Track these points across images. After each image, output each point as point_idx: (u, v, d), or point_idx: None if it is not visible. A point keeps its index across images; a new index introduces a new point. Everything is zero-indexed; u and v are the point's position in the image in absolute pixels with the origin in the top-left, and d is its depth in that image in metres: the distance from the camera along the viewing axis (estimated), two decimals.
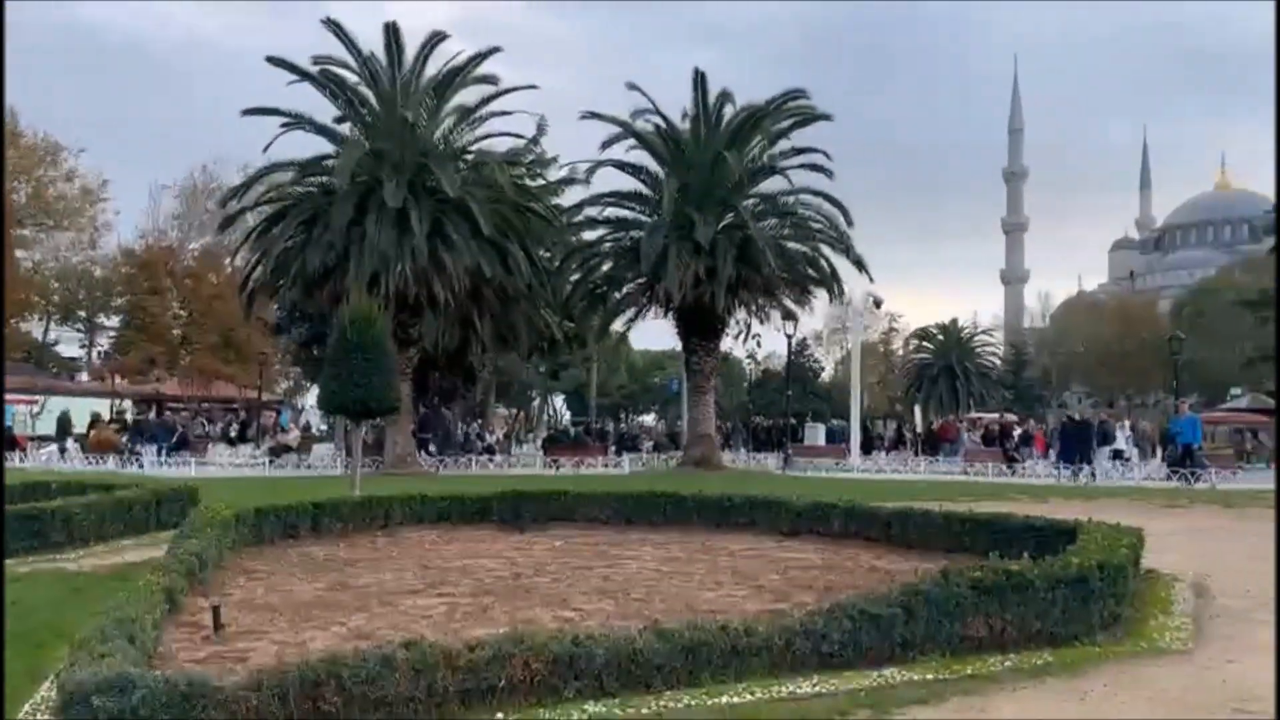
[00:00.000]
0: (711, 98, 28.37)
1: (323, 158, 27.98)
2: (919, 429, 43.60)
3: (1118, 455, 28.48)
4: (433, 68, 27.54)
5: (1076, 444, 25.27)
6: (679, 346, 31.25)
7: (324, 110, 27.86)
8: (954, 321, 64.93)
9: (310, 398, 48.58)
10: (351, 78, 27.26)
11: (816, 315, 68.87)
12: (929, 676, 5.61)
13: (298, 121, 26.93)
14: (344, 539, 11.68)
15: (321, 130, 27.71)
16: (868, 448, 32.87)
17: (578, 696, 5.08)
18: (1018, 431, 32.50)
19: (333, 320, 18.43)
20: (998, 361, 70.21)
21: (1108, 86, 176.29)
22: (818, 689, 5.37)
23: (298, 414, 45.35)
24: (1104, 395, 75.45)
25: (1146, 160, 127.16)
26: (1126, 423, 34.11)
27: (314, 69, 26.87)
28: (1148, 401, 70.69)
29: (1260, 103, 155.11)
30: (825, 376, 72.75)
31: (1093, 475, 23.95)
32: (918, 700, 5.21)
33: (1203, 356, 55.16)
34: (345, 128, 28.26)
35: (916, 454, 31.94)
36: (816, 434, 38.37)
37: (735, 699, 5.19)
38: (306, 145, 35.77)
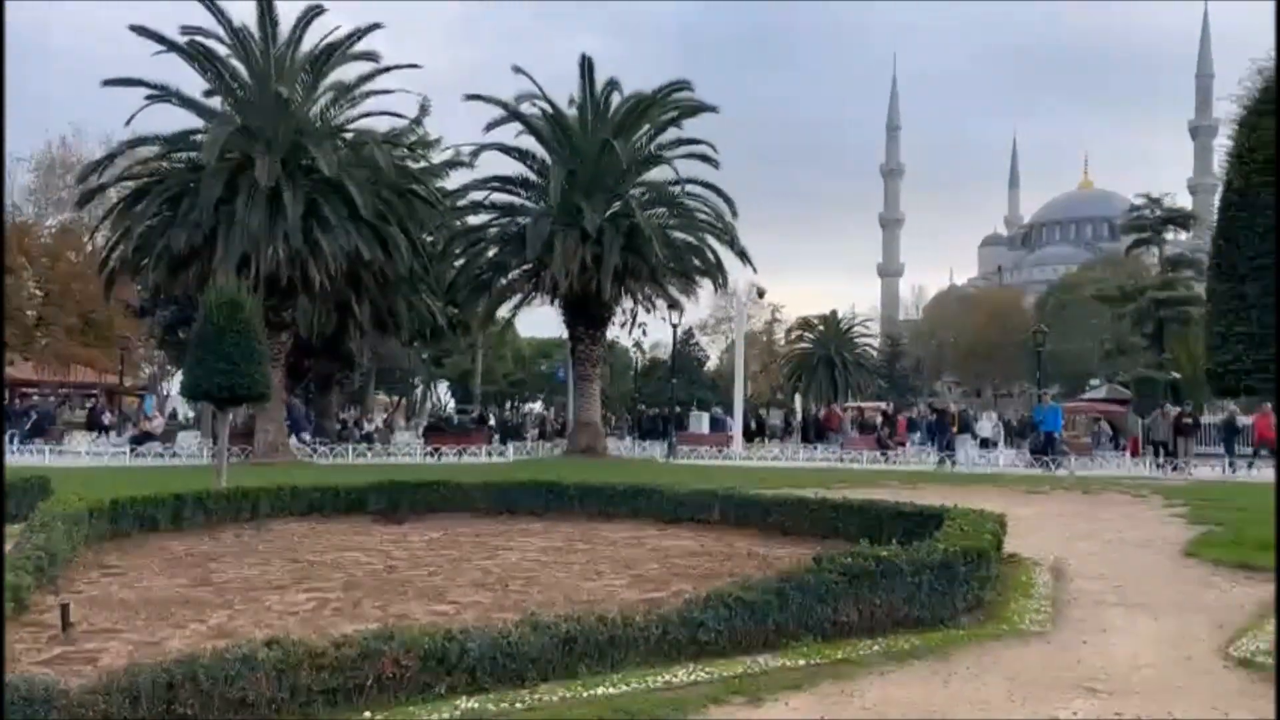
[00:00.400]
0: (599, 85, 28.28)
1: (190, 133, 26.73)
2: (799, 417, 44.61)
3: (985, 443, 29.78)
4: (310, 42, 26.63)
5: (939, 432, 26.53)
6: (565, 334, 31.13)
7: (193, 83, 26.66)
8: (834, 313, 66.71)
9: (176, 384, 46.44)
10: (222, 50, 26.09)
11: (702, 305, 69.71)
12: (801, 662, 5.69)
13: (163, 94, 25.62)
14: (208, 532, 11.18)
15: (189, 104, 26.46)
16: (751, 436, 33.44)
17: (450, 693, 4.97)
18: (879, 419, 33.63)
19: (199, 303, 17.65)
20: (874, 352, 72.49)
21: (981, 88, 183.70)
22: (694, 677, 5.37)
23: (163, 400, 43.34)
24: (973, 385, 78.81)
25: (1015, 160, 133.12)
26: (993, 412, 35.65)
27: (182, 39, 25.61)
28: (1014, 391, 74.10)
29: (1120, 106, 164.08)
30: (710, 366, 73.73)
31: (953, 461, 25.00)
32: (790, 685, 5.27)
33: (1065, 349, 58.10)
34: (216, 102, 27.06)
35: (805, 442, 32.68)
36: (701, 422, 38.80)
37: (611, 690, 5.15)
38: (173, 119, 34.03)
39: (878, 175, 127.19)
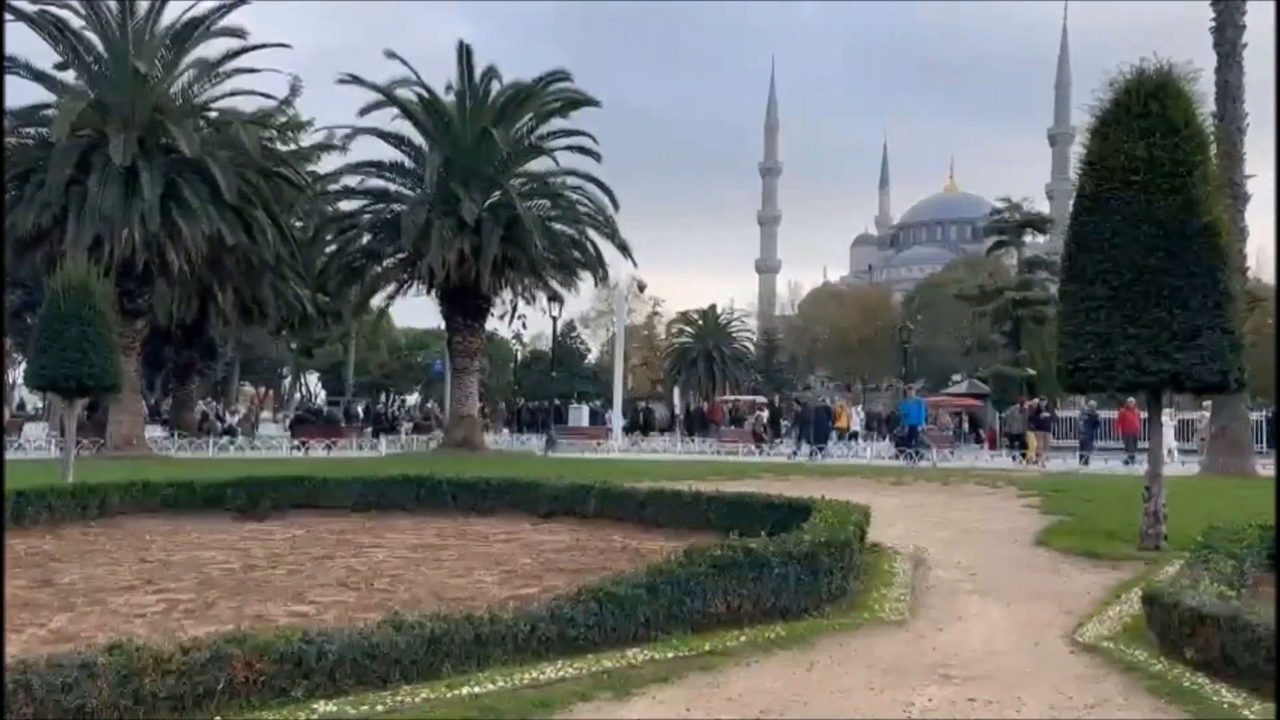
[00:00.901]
0: (478, 73, 27.81)
1: (41, 107, 25.15)
2: (678, 410, 45.14)
3: (854, 436, 30.75)
4: (171, 16, 25.38)
5: (806, 425, 27.49)
6: (443, 325, 30.56)
7: (44, 55, 25.03)
8: (713, 308, 67.67)
9: (22, 373, 43.63)
10: (76, 21, 24.61)
11: (583, 298, 69.71)
12: (670, 655, 5.71)
13: (10, 65, 23.95)
14: (51, 530, 10.52)
15: (39, 77, 24.85)
16: (640, 429, 33.68)
17: (308, 696, 4.77)
18: (755, 414, 34.37)
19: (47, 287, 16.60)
20: (751, 346, 73.91)
21: (856, 91, 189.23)
22: (562, 674, 5.33)
23: (10, 390, 40.64)
24: (844, 379, 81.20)
25: (886, 162, 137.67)
26: (861, 405, 36.80)
27: (32, 8, 24.04)
28: (882, 385, 76.69)
29: (986, 112, 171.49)
30: (592, 358, 73.78)
31: (819, 453, 25.77)
32: (658, 679, 5.28)
33: (930, 345, 60.48)
34: (69, 76, 25.49)
35: (689, 435, 33.11)
36: (580, 415, 38.82)
37: (477, 689, 5.05)
38: (22, 93, 31.90)
39: (757, 173, 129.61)
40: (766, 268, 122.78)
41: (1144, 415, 18.14)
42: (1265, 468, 21.52)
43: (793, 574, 6.69)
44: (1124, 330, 8.91)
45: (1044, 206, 66.43)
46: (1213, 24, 21.43)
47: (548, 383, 39.79)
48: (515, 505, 12.29)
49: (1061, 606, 7.29)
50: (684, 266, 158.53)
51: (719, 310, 67.58)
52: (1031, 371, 42.15)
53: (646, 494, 11.67)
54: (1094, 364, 9.16)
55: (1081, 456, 25.91)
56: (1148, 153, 8.93)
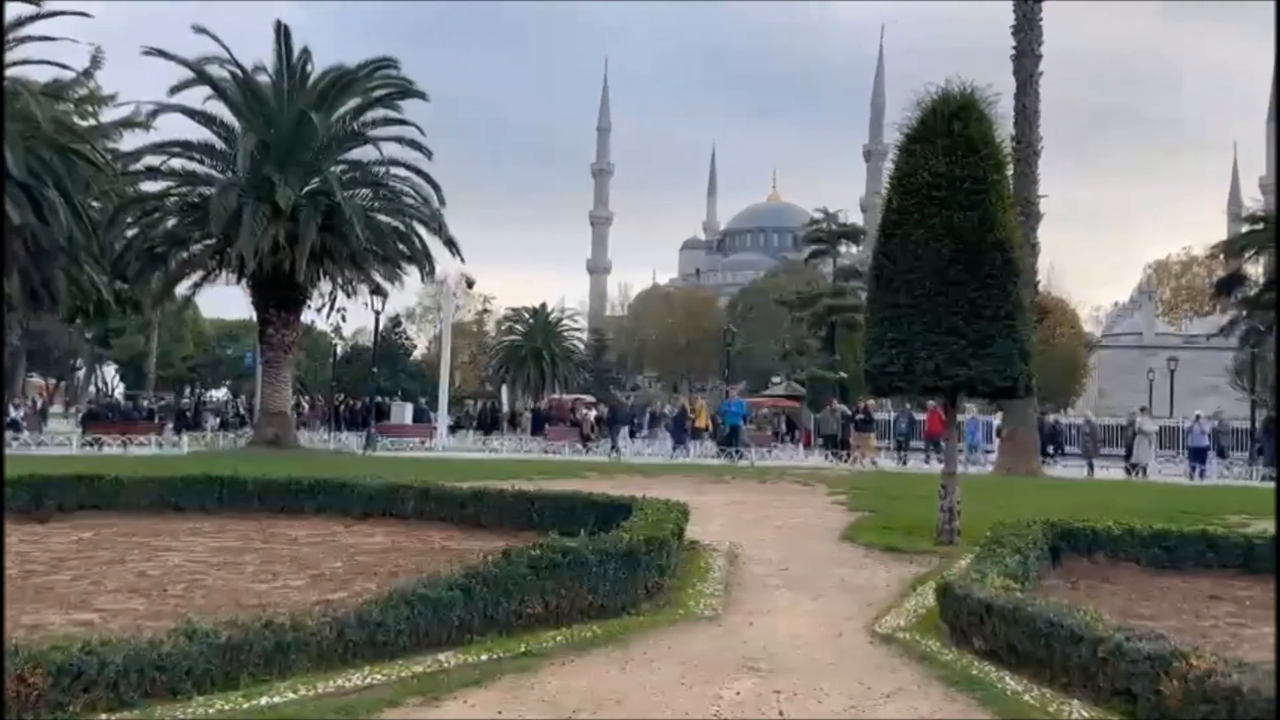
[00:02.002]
0: (296, 54, 26.60)
1: None
2: (505, 409, 44.74)
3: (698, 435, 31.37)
4: None
5: (616, 425, 28.29)
6: (255, 316, 29.06)
7: None
8: (543, 306, 67.41)
9: None
10: None
11: (411, 293, 67.98)
12: (484, 657, 5.61)
13: None
14: None
15: None
16: (489, 428, 33.19)
17: (88, 710, 4.41)
18: (584, 414, 34.52)
19: None
20: (582, 345, 74.18)
21: (687, 97, 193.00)
22: (369, 680, 5.15)
23: None
24: (671, 380, 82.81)
25: (714, 169, 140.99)
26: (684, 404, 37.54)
27: None
28: (707, 386, 78.64)
29: (810, 125, 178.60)
30: (418, 355, 72.11)
31: (619, 451, 26.27)
32: (470, 682, 5.18)
33: (752, 348, 62.49)
34: None
35: (531, 434, 32.87)
36: (404, 413, 37.82)
37: (276, 699, 4.81)
38: None
39: (589, 173, 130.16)
40: (598, 268, 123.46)
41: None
42: (1050, 468, 23.46)
43: (611, 572, 6.71)
44: (924, 337, 9.44)
45: (858, 218, 69.84)
46: (1013, 52, 23.11)
47: (370, 379, 38.56)
48: (327, 507, 11.78)
49: (864, 599, 7.64)
50: (517, 264, 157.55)
51: (550, 309, 67.43)
52: (844, 375, 44.24)
53: (468, 494, 11.45)
54: (897, 369, 9.66)
55: (900, 457, 27.44)
56: (949, 170, 9.48)
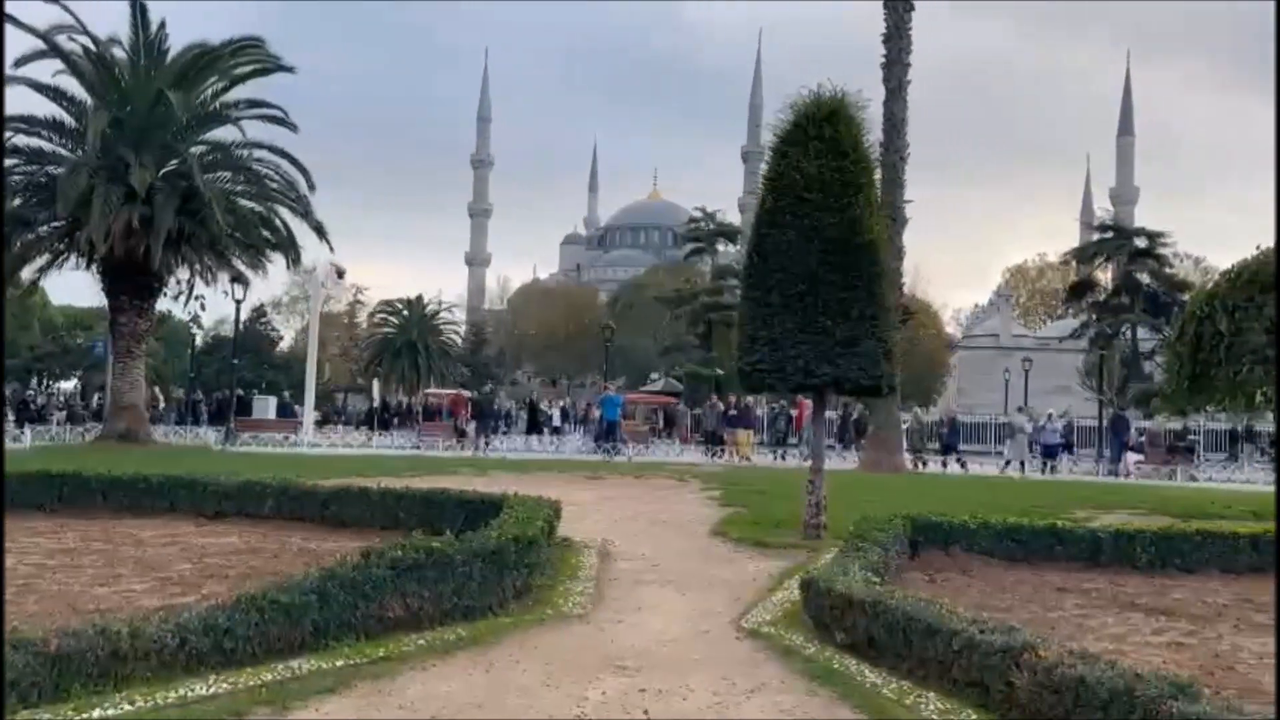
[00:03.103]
0: (154, 29, 25.19)
1: None
2: (376, 403, 43.64)
3: (556, 430, 31.21)
4: None
5: (485, 419, 28.27)
6: (106, 304, 27.42)
7: None
8: (419, 298, 65.97)
9: None
10: None
11: (277, 282, 65.52)
12: (339, 663, 5.38)
13: None
14: None
15: None
16: (376, 424, 32.26)
17: None
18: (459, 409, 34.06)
19: None
20: (459, 339, 73.05)
21: (570, 91, 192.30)
22: (214, 689, 4.86)
23: None
24: (550, 375, 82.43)
25: (596, 164, 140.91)
26: (563, 400, 37.45)
27: None
28: (586, 382, 78.59)
29: (688, 125, 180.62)
30: (284, 346, 69.61)
31: (486, 446, 26.03)
32: (324, 690, 4.96)
33: (631, 344, 62.71)
34: None
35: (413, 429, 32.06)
36: (266, 407, 36.37)
37: (110, 711, 4.49)
38: None
39: (469, 165, 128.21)
40: (477, 261, 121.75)
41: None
42: (911, 463, 24.35)
43: (477, 572, 6.55)
44: (795, 336, 9.60)
45: (736, 218, 70.77)
46: (883, 60, 23.80)
47: (231, 371, 36.97)
48: (179, 506, 11.17)
49: (732, 594, 7.69)
50: (394, 255, 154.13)
51: (426, 301, 66.08)
52: (720, 372, 44.83)
53: (330, 492, 11.04)
54: (768, 366, 9.79)
55: (779, 452, 27.99)
56: (820, 173, 9.66)
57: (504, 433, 29.44)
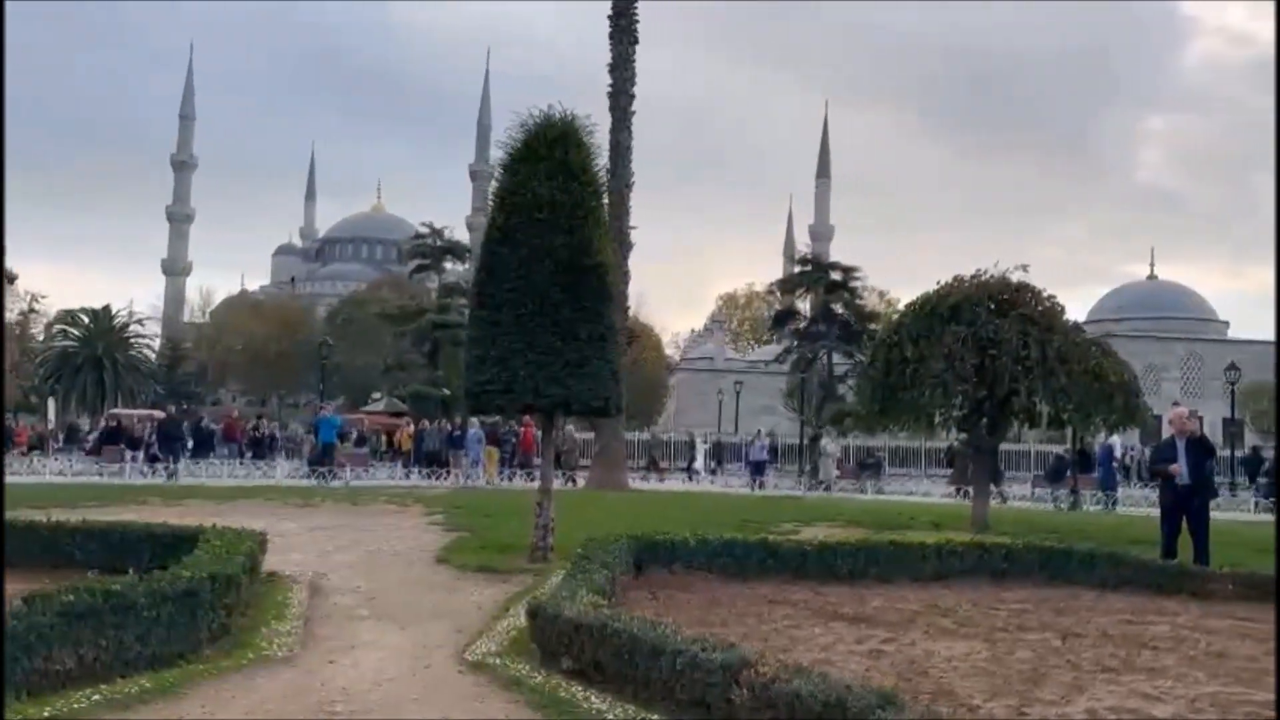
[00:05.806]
0: None
1: None
2: (52, 425, 38.98)
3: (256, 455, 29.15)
4: None
5: (173, 442, 26.30)
6: None
7: None
8: (107, 308, 59.79)
9: None
10: None
11: None
12: None
13: None
14: None
15: None
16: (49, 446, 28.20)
17: None
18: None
19: None
20: (153, 354, 66.90)
21: (283, 95, 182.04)
22: None
23: None
24: (259, 394, 77.34)
25: (313, 173, 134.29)
26: (265, 421, 35.16)
27: None
28: (299, 401, 74.44)
29: (414, 139, 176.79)
30: None
31: (176, 472, 24.17)
32: None
33: (351, 362, 60.15)
34: None
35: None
36: None
37: None
38: None
39: (169, 164, 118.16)
40: (175, 269, 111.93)
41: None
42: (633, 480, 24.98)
43: (166, 616, 5.83)
44: (524, 356, 9.47)
45: (464, 236, 69.98)
46: (609, 90, 24.42)
47: None
48: None
49: (455, 625, 7.38)
50: (80, 259, 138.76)
51: (116, 311, 59.95)
52: (447, 391, 43.96)
53: None
54: (497, 386, 9.60)
55: (527, 474, 27.71)
56: (551, 194, 9.63)
57: (198, 458, 26.86)
